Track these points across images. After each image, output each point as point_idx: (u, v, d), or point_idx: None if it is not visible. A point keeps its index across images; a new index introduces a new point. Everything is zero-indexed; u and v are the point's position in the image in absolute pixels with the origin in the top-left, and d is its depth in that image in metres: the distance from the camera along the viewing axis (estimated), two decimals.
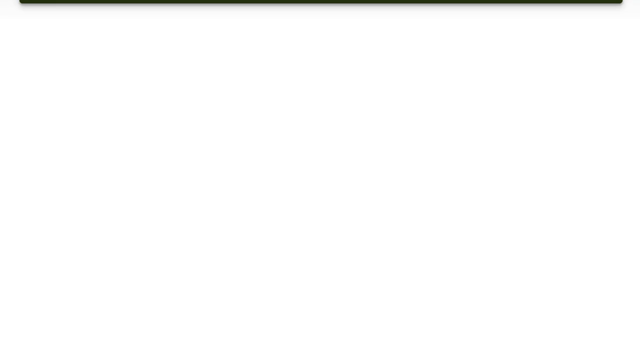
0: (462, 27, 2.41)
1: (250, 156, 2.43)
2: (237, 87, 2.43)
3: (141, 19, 2.40)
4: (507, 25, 2.41)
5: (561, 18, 2.41)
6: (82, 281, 2.40)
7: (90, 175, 2.41)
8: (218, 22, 2.41)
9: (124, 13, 2.40)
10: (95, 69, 2.40)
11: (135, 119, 2.41)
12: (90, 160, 2.41)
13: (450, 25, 2.41)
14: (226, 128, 2.42)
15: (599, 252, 2.40)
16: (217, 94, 2.42)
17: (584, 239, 2.40)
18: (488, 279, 2.40)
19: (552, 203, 2.41)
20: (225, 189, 2.42)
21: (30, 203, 2.39)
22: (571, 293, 2.40)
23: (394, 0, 2.39)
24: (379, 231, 2.41)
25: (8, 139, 2.39)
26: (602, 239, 2.40)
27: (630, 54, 2.40)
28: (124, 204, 2.41)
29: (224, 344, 2.41)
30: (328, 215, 2.42)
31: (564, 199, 2.40)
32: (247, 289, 2.42)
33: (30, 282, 2.40)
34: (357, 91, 2.42)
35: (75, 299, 2.40)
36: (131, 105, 2.41)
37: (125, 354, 2.41)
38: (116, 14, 2.40)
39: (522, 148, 2.40)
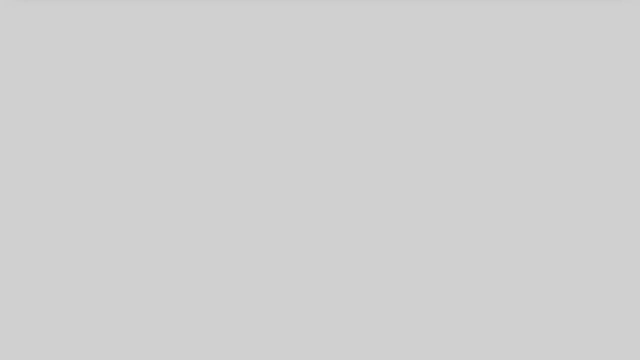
0: (460, 21, 2.42)
1: (249, 148, 2.43)
2: (236, 81, 2.43)
3: (141, 13, 2.41)
4: (507, 18, 2.41)
5: (561, 10, 2.41)
6: (82, 279, 2.41)
7: (93, 169, 2.41)
8: (218, 12, 2.42)
9: (124, 7, 2.40)
10: (95, 61, 2.41)
11: (136, 111, 2.41)
12: (94, 151, 2.41)
13: (448, 21, 2.41)
14: (225, 121, 2.43)
15: (595, 246, 2.41)
16: (216, 88, 2.43)
17: (582, 232, 2.41)
18: (487, 277, 2.41)
19: (548, 193, 2.41)
20: (224, 186, 2.43)
21: (32, 196, 2.40)
22: (568, 289, 2.41)
23: None
24: (375, 226, 2.42)
25: (8, 131, 2.40)
26: (600, 234, 2.41)
27: (630, 46, 2.40)
28: (127, 194, 2.41)
29: (224, 343, 2.42)
30: (326, 211, 2.42)
31: (560, 189, 2.41)
32: (247, 288, 2.42)
33: (29, 280, 2.40)
34: (356, 88, 2.42)
35: (75, 296, 2.41)
36: (130, 98, 2.41)
37: (124, 352, 2.41)
38: (117, 8, 2.40)
39: (520, 142, 2.41)
